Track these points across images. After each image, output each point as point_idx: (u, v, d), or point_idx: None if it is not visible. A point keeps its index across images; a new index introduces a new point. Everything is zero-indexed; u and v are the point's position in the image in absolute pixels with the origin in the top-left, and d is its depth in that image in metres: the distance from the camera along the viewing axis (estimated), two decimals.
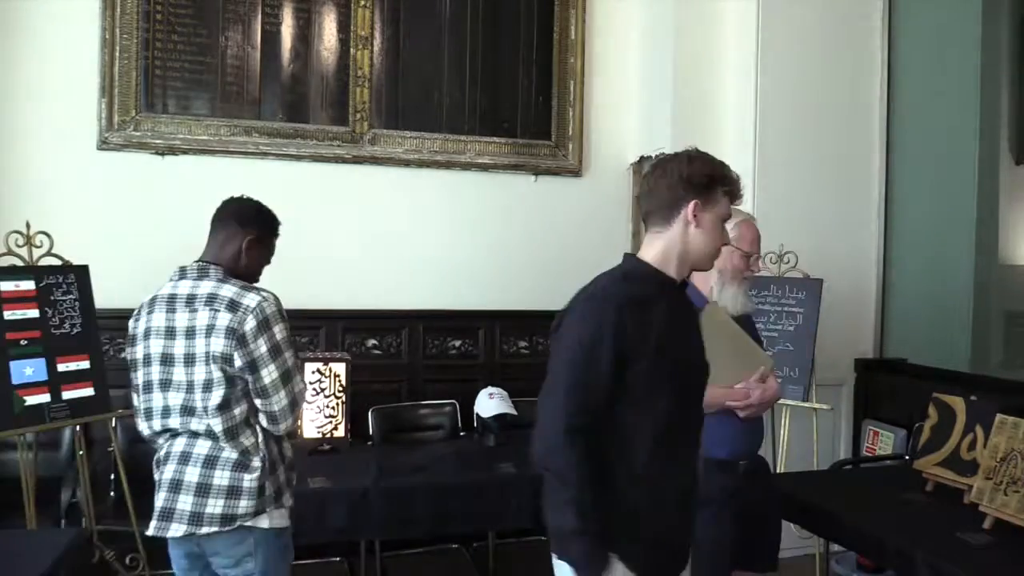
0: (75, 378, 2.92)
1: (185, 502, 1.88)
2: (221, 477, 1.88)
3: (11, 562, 1.83)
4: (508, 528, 3.40)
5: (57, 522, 3.05)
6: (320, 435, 3.37)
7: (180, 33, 3.68)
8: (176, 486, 1.90)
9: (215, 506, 1.87)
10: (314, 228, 3.88)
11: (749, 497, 2.28)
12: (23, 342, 2.82)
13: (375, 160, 3.96)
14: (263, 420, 1.94)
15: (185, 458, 1.91)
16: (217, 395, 1.88)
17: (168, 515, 1.89)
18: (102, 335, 3.23)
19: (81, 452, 3.00)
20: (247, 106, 3.78)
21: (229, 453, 1.89)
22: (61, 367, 2.89)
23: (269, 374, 1.90)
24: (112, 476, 3.26)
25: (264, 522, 1.91)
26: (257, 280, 2.12)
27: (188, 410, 1.91)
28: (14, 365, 2.77)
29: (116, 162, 3.63)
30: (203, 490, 1.88)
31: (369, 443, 3.59)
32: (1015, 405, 2.52)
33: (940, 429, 2.67)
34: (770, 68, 3.81)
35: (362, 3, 3.90)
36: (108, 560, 2.92)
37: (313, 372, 3.40)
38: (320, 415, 3.39)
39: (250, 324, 1.89)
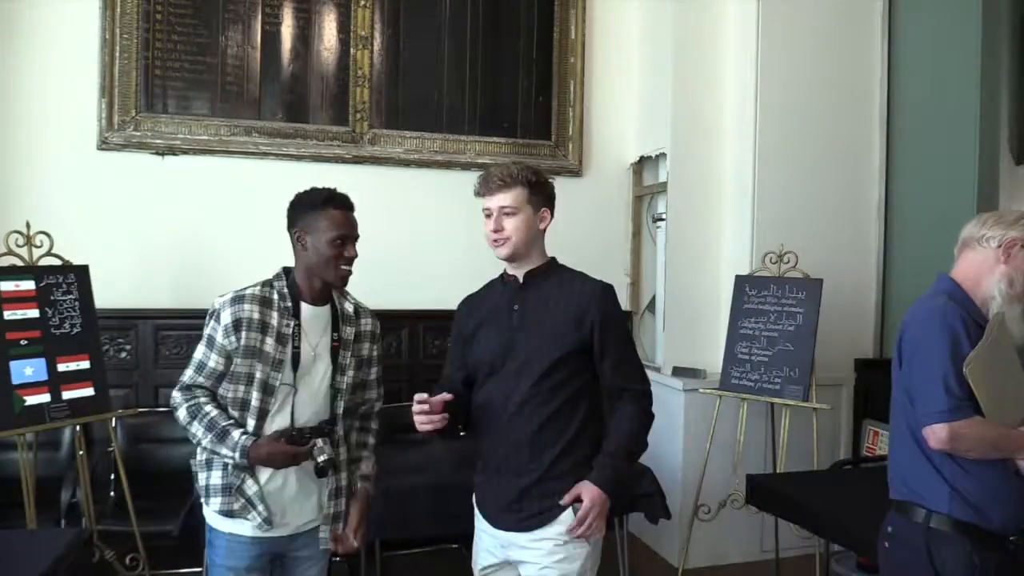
0: (75, 378, 2.92)
1: None
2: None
3: (11, 562, 1.83)
4: None
5: (57, 522, 3.05)
6: None
7: (180, 33, 3.68)
8: None
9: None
10: None
11: None
12: (23, 342, 2.82)
13: (375, 160, 3.96)
14: None
15: None
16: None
17: None
18: (102, 335, 3.24)
19: (81, 452, 3.00)
20: (247, 106, 3.78)
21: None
22: (61, 367, 2.89)
23: None
24: (112, 476, 3.26)
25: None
26: (343, 277, 2.01)
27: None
28: (14, 365, 2.77)
29: (116, 162, 3.63)
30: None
31: None
32: None
33: None
34: (770, 68, 3.82)
35: (362, 3, 3.90)
36: (108, 560, 2.92)
37: None
38: None
39: None
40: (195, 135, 3.70)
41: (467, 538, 3.80)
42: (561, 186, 4.19)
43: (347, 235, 2.00)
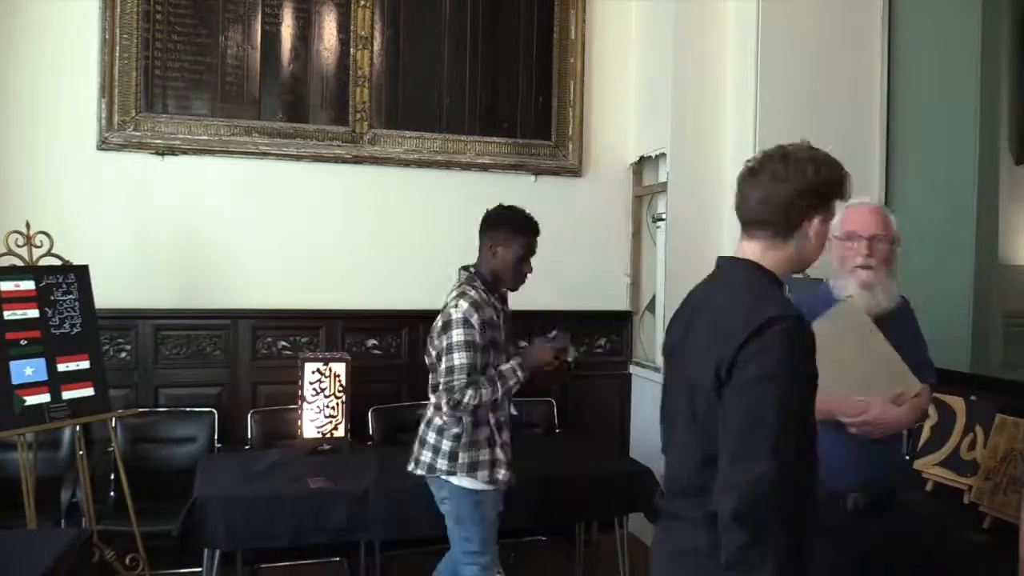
0: (75, 378, 2.92)
1: (418, 451, 2.58)
2: (429, 436, 2.55)
3: (11, 562, 1.83)
4: (507, 528, 3.40)
5: (57, 522, 3.05)
6: (320, 435, 3.37)
7: (180, 33, 3.68)
8: (417, 440, 2.61)
9: (424, 456, 2.55)
10: (314, 228, 3.88)
11: (863, 539, 1.90)
12: (23, 342, 2.82)
13: (375, 160, 3.95)
14: None
15: (423, 419, 2.62)
16: (432, 379, 2.53)
17: (414, 459, 2.59)
18: (102, 335, 3.24)
19: (81, 452, 3.00)
20: (247, 106, 3.77)
21: (438, 420, 2.52)
22: (61, 367, 2.89)
23: (444, 363, 2.45)
24: (112, 476, 3.26)
25: (455, 480, 2.50)
26: (515, 284, 2.66)
27: (434, 387, 2.52)
28: (14, 365, 2.77)
29: (116, 162, 3.63)
30: (422, 443, 2.57)
31: (369, 443, 3.60)
32: (1015, 405, 2.52)
33: (940, 429, 2.67)
34: (770, 68, 3.81)
35: (362, 3, 3.90)
36: (108, 560, 2.92)
37: (313, 372, 3.40)
38: (320, 415, 3.40)
39: (439, 323, 2.52)
40: (195, 135, 3.70)
41: None
42: (561, 186, 4.27)
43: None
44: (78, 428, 3.02)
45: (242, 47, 3.76)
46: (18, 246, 2.93)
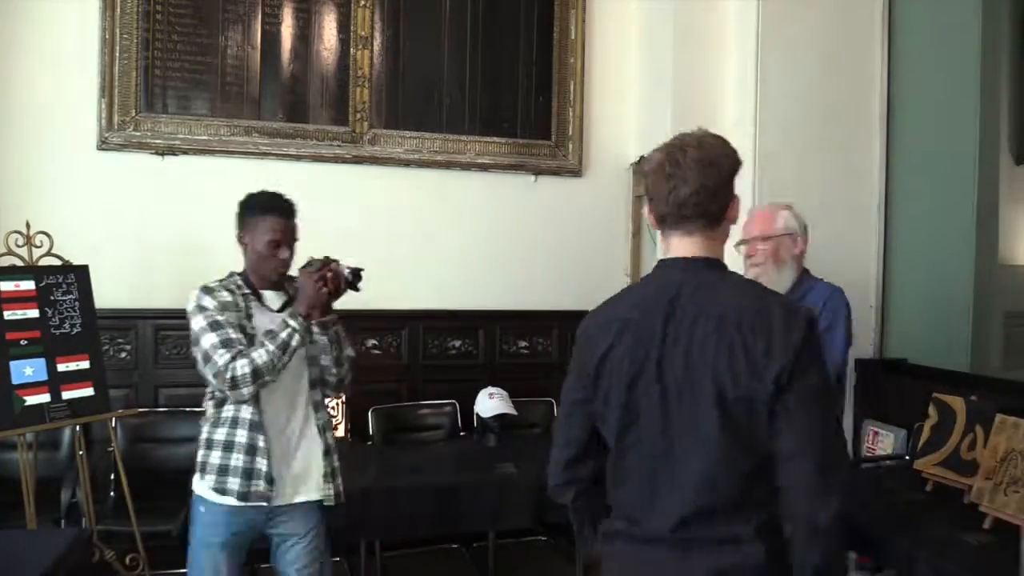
0: (75, 378, 2.92)
1: None
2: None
3: (11, 562, 1.83)
4: (508, 528, 3.40)
5: (57, 522, 3.05)
6: None
7: (180, 33, 3.68)
8: None
9: None
10: (313, 228, 3.87)
11: None
12: (23, 342, 2.82)
13: (375, 160, 3.96)
14: None
15: None
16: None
17: None
18: (102, 335, 3.24)
19: (81, 452, 3.00)
20: (247, 106, 3.78)
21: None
22: (61, 367, 2.89)
23: (199, 361, 2.19)
24: (112, 476, 3.26)
25: (194, 481, 2.20)
26: (274, 273, 2.35)
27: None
28: (14, 365, 2.77)
29: (116, 162, 3.63)
30: None
31: (369, 443, 3.60)
32: (1015, 405, 2.51)
33: (940, 429, 2.67)
34: (770, 68, 3.81)
35: (362, 3, 3.90)
36: (108, 560, 2.92)
37: None
38: None
39: None
40: (195, 135, 3.70)
41: (467, 538, 3.82)
42: (561, 186, 4.26)
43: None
44: (78, 428, 3.02)
45: (242, 47, 3.76)
46: (18, 246, 2.93)
